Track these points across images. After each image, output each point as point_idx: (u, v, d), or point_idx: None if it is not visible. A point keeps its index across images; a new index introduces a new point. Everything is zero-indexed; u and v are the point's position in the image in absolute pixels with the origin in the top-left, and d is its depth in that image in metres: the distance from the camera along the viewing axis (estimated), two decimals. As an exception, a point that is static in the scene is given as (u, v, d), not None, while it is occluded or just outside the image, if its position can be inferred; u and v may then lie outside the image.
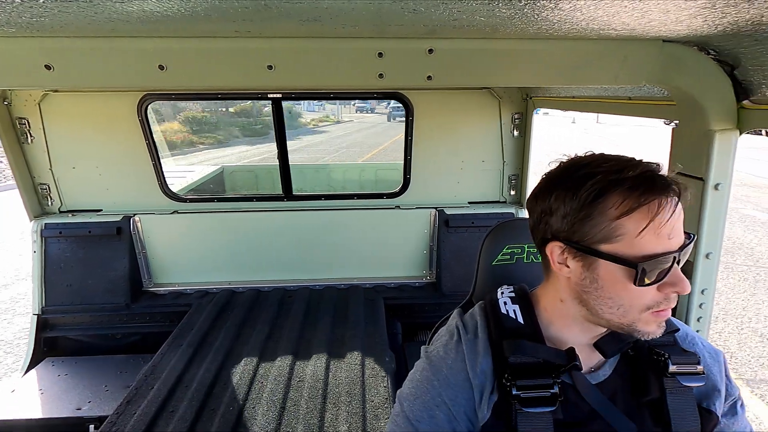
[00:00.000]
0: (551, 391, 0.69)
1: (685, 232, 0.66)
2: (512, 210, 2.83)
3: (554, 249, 0.72)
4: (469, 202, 2.90)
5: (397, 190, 2.86)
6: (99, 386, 2.31)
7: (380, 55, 1.09)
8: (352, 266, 2.95)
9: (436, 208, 2.84)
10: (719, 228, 1.23)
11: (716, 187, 1.18)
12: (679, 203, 0.65)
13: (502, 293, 0.83)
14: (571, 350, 0.72)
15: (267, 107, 2.71)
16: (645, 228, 0.63)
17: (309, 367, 2.03)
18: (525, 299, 0.81)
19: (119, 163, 2.69)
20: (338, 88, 1.11)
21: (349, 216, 2.85)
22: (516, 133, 2.74)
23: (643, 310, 0.66)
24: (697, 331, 1.26)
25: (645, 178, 0.64)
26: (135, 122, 2.56)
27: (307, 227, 2.86)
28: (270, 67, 1.08)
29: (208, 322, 2.44)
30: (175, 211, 2.80)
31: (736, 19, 0.82)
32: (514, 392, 0.69)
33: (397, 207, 2.86)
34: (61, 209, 2.75)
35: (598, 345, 0.73)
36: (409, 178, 2.82)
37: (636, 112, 1.60)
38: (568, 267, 0.71)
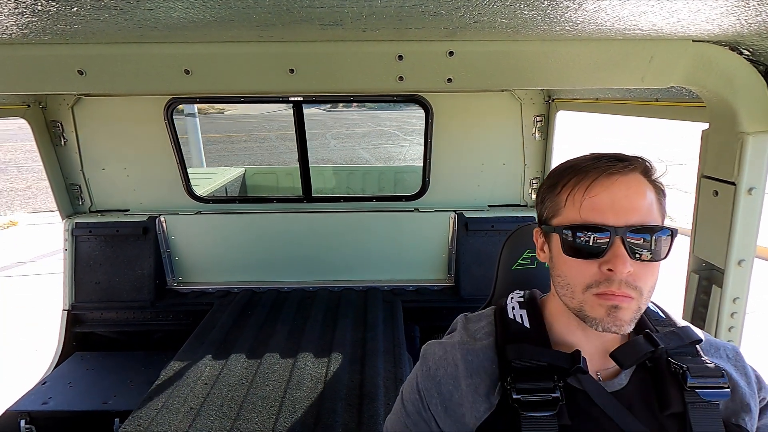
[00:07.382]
0: (552, 395, 0.67)
1: (665, 227, 0.66)
2: (533, 213, 2.78)
3: (536, 235, 0.77)
4: (489, 205, 2.87)
5: (416, 192, 2.86)
6: (124, 381, 2.38)
7: (400, 57, 1.09)
8: (371, 268, 2.95)
9: (455, 211, 2.81)
10: (753, 234, 1.18)
11: (749, 191, 1.14)
12: (640, 185, 0.66)
13: (512, 298, 0.84)
14: (577, 353, 0.70)
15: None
16: (568, 195, 0.67)
17: (330, 369, 2.05)
18: (532, 304, 0.80)
19: (146, 165, 2.77)
20: (358, 91, 1.13)
21: (368, 218, 2.86)
22: (538, 135, 2.70)
23: (584, 289, 0.66)
24: (729, 341, 1.21)
25: (593, 159, 0.67)
26: (161, 125, 2.64)
27: (327, 229, 2.88)
28: (291, 71, 1.09)
29: (230, 322, 2.48)
30: (199, 212, 2.86)
31: None
32: (514, 396, 0.67)
33: (416, 209, 2.85)
34: (91, 209, 2.85)
35: (614, 355, 0.70)
36: (428, 180, 2.80)
37: (663, 114, 1.55)
38: (544, 252, 0.75)
